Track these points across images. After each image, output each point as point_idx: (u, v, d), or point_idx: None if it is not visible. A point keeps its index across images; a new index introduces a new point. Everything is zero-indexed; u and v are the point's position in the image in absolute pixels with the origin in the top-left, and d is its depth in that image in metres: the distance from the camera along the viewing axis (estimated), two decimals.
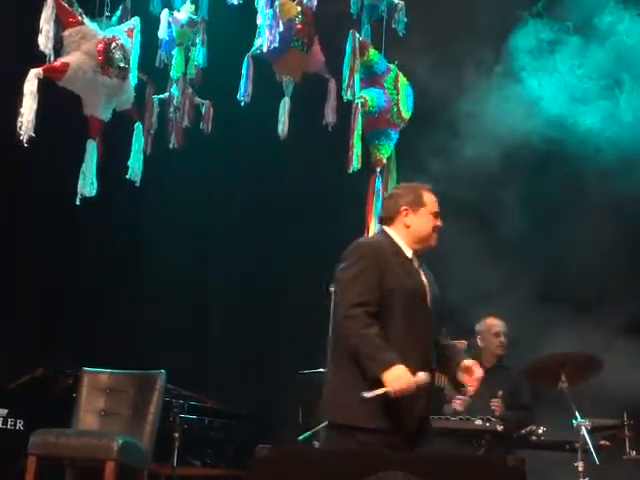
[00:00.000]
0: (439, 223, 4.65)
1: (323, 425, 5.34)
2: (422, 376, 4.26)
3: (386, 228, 4.66)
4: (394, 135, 6.77)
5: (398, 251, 4.55)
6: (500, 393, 6.15)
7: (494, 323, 6.58)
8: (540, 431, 5.73)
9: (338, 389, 4.44)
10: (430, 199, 4.65)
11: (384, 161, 6.75)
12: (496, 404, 6.15)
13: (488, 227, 7.28)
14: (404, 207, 4.61)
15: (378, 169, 6.71)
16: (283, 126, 6.51)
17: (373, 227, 6.56)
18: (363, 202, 6.63)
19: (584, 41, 7.44)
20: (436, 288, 4.62)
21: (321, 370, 5.68)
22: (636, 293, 6.95)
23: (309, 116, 6.75)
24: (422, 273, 4.59)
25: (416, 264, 4.58)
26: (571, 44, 7.46)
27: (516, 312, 6.71)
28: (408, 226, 4.59)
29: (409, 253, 4.58)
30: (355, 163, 6.34)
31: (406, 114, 6.74)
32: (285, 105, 6.57)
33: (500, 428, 5.68)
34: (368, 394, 4.22)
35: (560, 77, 7.46)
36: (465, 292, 6.71)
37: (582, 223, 7.07)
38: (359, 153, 6.35)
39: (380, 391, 4.21)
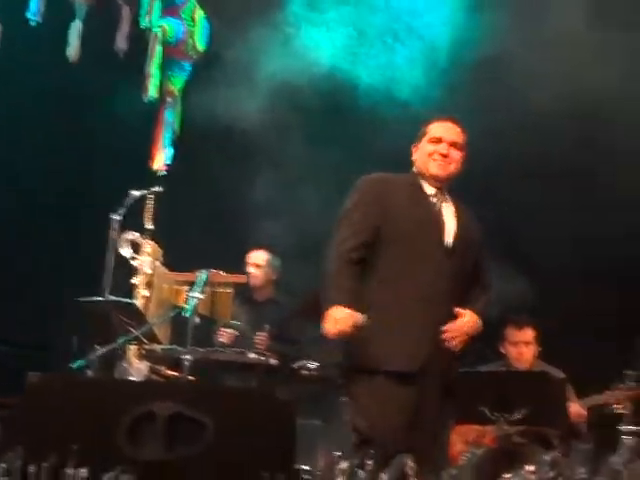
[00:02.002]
0: (437, 148, 4.24)
1: (99, 353, 5.25)
2: (359, 317, 3.98)
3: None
4: (187, 67, 6.76)
5: (417, 185, 4.26)
6: (267, 327, 6.21)
7: (255, 255, 6.59)
8: (312, 366, 5.82)
9: None
10: (432, 127, 4.30)
11: (176, 93, 6.74)
12: (260, 338, 6.19)
13: (272, 177, 7.13)
14: (413, 145, 4.35)
15: (169, 99, 6.70)
16: (73, 49, 6.38)
17: (159, 158, 6.56)
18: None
19: None
20: (469, 233, 4.25)
21: (99, 299, 5.60)
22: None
23: (101, 41, 6.61)
24: (447, 211, 4.24)
25: (438, 201, 4.24)
26: None
27: None
28: (414, 161, 4.33)
29: (431, 190, 4.26)
30: (152, 92, 6.32)
31: (201, 47, 6.74)
32: (77, 27, 6.42)
33: (274, 362, 5.64)
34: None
35: (336, 30, 7.31)
36: None
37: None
38: (157, 82, 6.32)
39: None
